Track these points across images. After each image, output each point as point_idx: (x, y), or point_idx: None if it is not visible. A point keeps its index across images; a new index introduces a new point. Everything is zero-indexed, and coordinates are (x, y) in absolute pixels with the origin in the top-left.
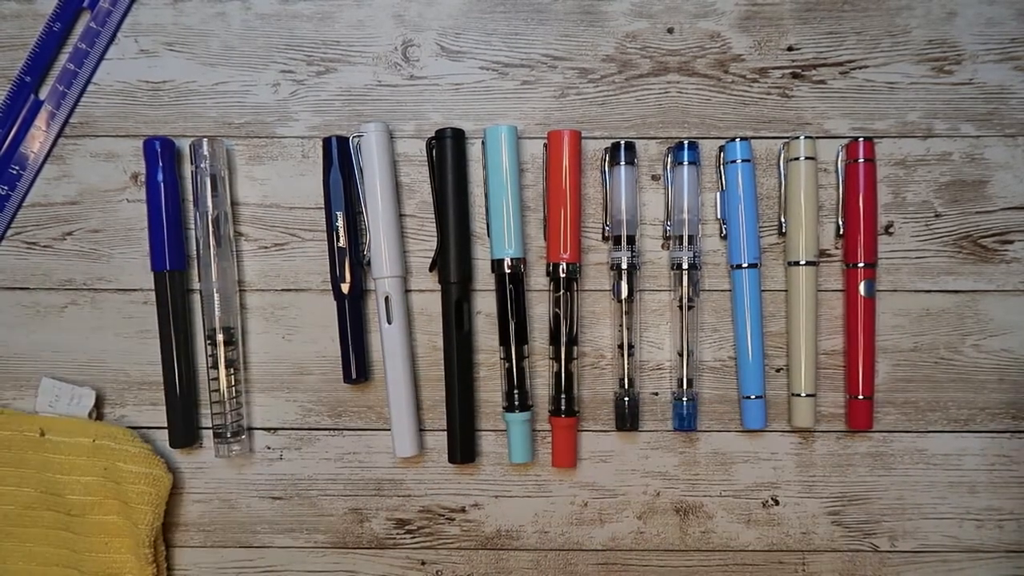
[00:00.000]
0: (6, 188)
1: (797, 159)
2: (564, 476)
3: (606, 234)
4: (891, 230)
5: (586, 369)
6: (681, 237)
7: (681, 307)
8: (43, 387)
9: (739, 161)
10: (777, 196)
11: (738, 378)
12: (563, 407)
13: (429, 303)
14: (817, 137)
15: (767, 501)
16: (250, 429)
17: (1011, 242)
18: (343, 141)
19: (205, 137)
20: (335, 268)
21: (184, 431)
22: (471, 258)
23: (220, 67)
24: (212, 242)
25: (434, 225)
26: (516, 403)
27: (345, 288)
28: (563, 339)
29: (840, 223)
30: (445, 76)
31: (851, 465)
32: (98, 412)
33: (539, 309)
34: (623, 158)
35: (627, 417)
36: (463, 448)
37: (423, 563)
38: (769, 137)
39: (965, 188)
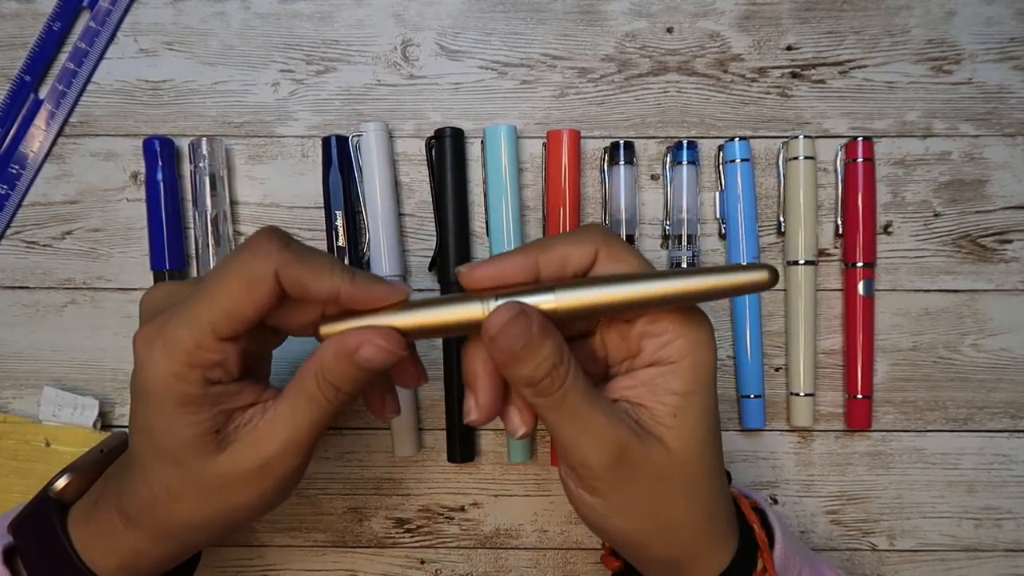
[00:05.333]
0: (6, 187)
1: (796, 159)
2: None
3: None
4: (890, 230)
5: None
6: (680, 236)
7: None
8: (45, 396)
9: (738, 161)
10: (776, 196)
11: (737, 377)
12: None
13: None
14: (816, 137)
15: (766, 500)
16: None
17: (1010, 241)
18: (342, 140)
19: (204, 136)
20: None
21: None
22: (471, 257)
23: (219, 66)
24: (211, 241)
25: (433, 224)
26: None
27: None
28: None
29: (839, 223)
30: (444, 76)
31: (850, 464)
32: (103, 422)
33: None
34: (622, 157)
35: None
36: (462, 447)
37: (422, 562)
38: (768, 136)
39: (964, 188)
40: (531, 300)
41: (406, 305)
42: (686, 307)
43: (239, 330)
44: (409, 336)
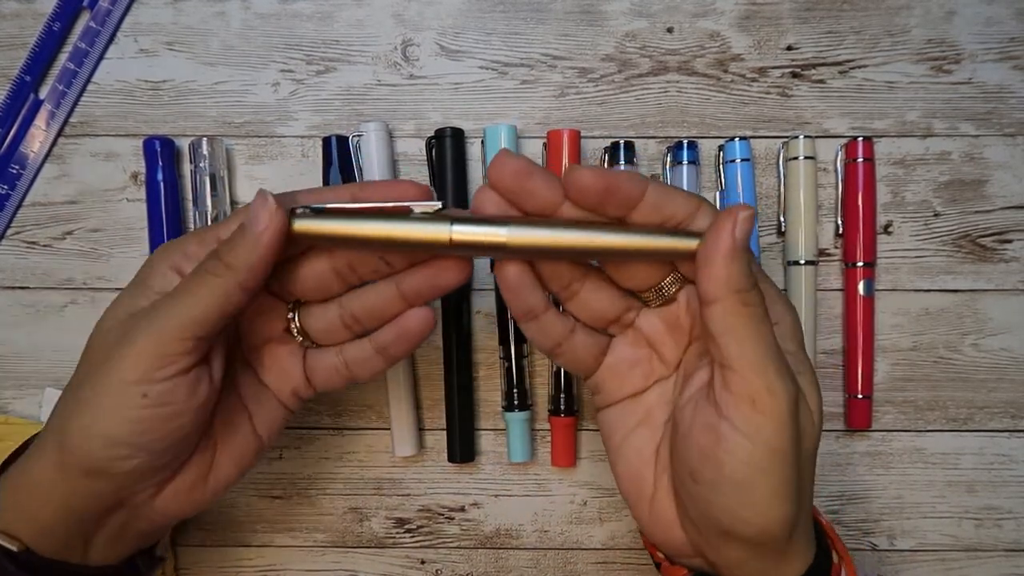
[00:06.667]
0: (6, 187)
1: (796, 158)
2: (563, 475)
3: None
4: (890, 229)
5: None
6: None
7: None
8: (47, 397)
9: (738, 160)
10: (776, 195)
11: None
12: (563, 406)
13: None
14: (816, 136)
15: None
16: None
17: (1010, 241)
18: (343, 140)
19: (205, 136)
20: None
21: None
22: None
23: (220, 66)
24: None
25: None
26: (515, 402)
27: None
28: None
29: (839, 222)
30: (445, 75)
31: (850, 464)
32: None
33: None
34: (623, 157)
35: None
36: (463, 447)
37: (423, 562)
38: (768, 136)
39: (964, 187)
40: (484, 230)
41: (409, 217)
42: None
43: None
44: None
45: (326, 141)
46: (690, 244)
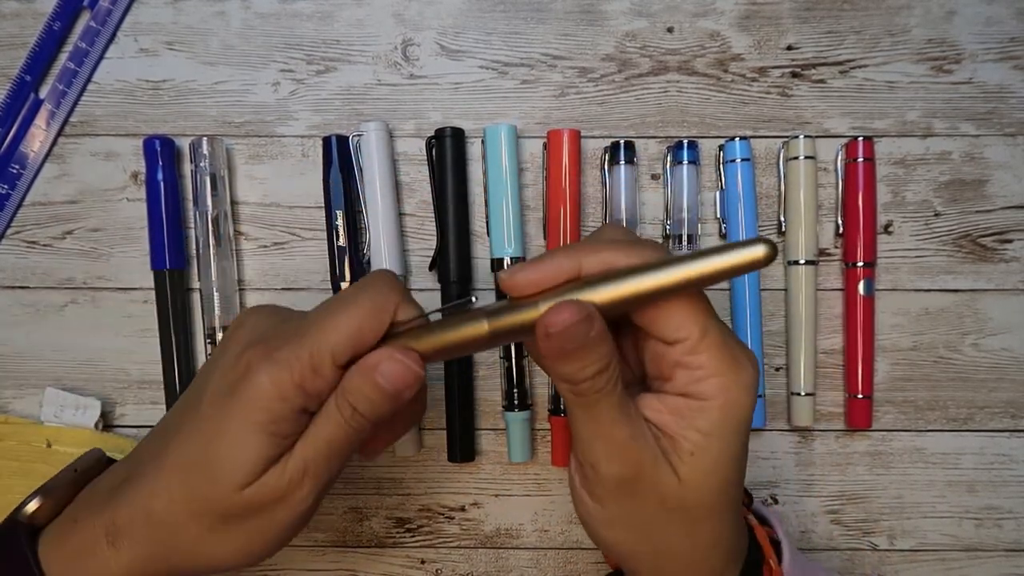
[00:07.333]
0: (6, 187)
1: (796, 158)
2: (563, 475)
3: None
4: (890, 229)
5: None
6: (681, 236)
7: None
8: (47, 397)
9: (738, 160)
10: (776, 195)
11: None
12: (563, 406)
13: (428, 302)
14: (816, 136)
15: (766, 500)
16: None
17: (1010, 241)
18: (343, 140)
19: (205, 136)
20: (335, 267)
21: None
22: (471, 257)
23: (220, 66)
24: (212, 241)
25: (434, 224)
26: (515, 402)
27: (345, 287)
28: None
29: (839, 222)
30: (445, 75)
31: (850, 464)
32: (104, 422)
33: None
34: (623, 157)
35: None
36: (463, 447)
37: (423, 562)
38: (768, 136)
39: (964, 187)
40: (518, 315)
41: (425, 330)
42: (730, 346)
43: (354, 358)
44: (430, 358)
45: (326, 141)
46: (757, 253)
